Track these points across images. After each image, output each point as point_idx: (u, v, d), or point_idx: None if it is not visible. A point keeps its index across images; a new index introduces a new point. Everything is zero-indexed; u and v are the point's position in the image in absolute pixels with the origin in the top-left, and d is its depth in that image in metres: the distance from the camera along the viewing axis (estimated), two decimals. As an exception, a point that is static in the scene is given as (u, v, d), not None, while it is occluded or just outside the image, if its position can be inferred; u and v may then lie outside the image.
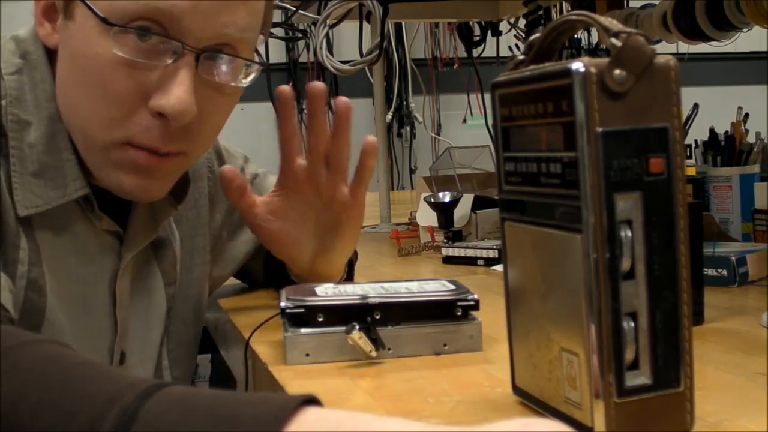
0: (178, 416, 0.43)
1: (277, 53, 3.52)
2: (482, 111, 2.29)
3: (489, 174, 1.56)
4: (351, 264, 1.03)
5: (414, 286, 0.77)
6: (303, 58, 3.57)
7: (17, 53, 0.78)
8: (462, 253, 1.28)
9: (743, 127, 1.39)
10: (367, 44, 1.47)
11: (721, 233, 1.24)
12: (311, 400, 0.43)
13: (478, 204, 1.42)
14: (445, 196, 1.38)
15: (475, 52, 1.91)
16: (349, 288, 0.77)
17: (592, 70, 0.47)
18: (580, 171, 0.47)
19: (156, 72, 0.73)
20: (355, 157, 0.88)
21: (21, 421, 0.45)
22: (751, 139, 1.37)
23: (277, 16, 1.36)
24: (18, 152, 0.74)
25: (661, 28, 1.25)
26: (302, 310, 0.72)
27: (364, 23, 1.47)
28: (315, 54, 2.00)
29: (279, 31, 1.49)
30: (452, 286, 0.77)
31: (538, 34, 0.55)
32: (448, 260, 1.29)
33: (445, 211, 1.38)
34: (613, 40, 0.47)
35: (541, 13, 1.57)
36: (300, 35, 2.14)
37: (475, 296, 0.74)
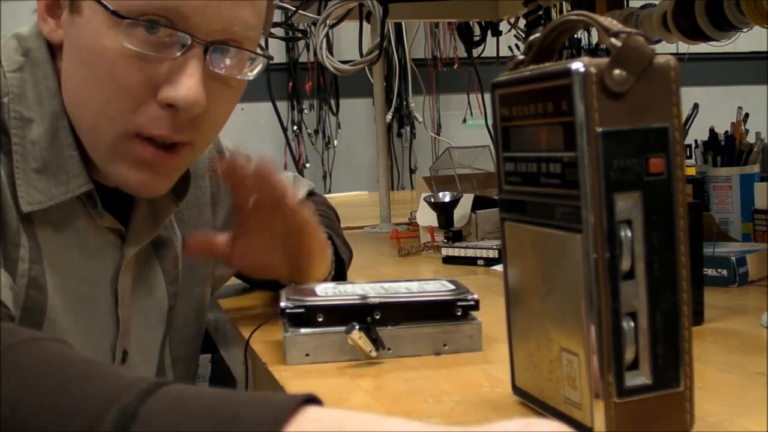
0: (178, 416, 0.43)
1: (277, 53, 3.52)
2: (482, 111, 2.29)
3: (489, 174, 1.56)
4: (342, 263, 1.03)
5: (414, 286, 0.77)
6: (303, 58, 3.57)
7: (19, 51, 0.78)
8: (462, 253, 1.28)
9: (743, 127, 1.39)
10: (367, 44, 1.47)
11: (721, 233, 1.24)
12: (311, 399, 0.43)
13: (478, 204, 1.42)
14: (445, 196, 1.38)
15: (475, 52, 1.91)
16: (349, 288, 0.77)
17: (592, 70, 0.47)
18: (580, 171, 0.47)
19: (164, 64, 0.73)
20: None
21: (21, 421, 0.45)
22: (751, 139, 1.37)
23: (277, 16, 1.36)
24: (20, 149, 0.75)
25: (661, 28, 1.25)
26: (302, 310, 0.72)
27: (364, 23, 1.47)
28: (315, 54, 2.01)
29: (279, 31, 1.49)
30: (452, 286, 0.77)
31: (538, 34, 0.55)
32: (448, 260, 1.29)
33: (445, 211, 1.38)
34: (613, 40, 0.48)
35: (541, 13, 1.57)
36: (300, 35, 2.14)
37: (475, 296, 0.74)
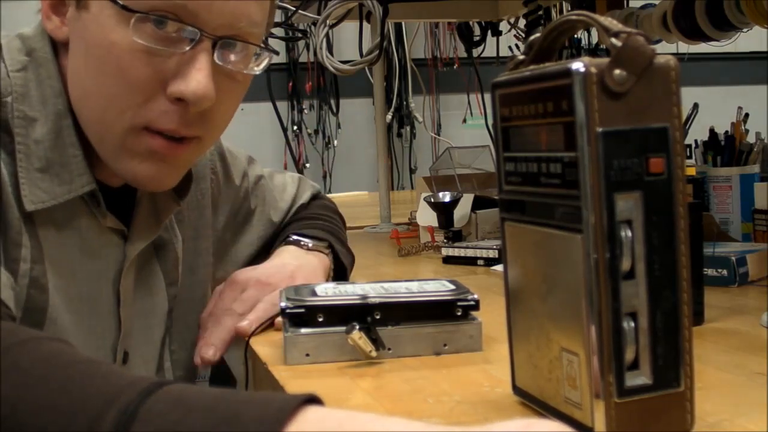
0: (178, 416, 0.43)
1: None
2: (482, 111, 2.29)
3: (489, 174, 1.56)
4: (344, 269, 1.03)
5: (414, 286, 0.77)
6: (303, 58, 3.57)
7: (23, 50, 0.79)
8: (462, 253, 1.28)
9: (743, 127, 1.39)
10: (367, 44, 1.47)
11: (721, 233, 1.24)
12: (312, 399, 0.43)
13: (478, 204, 1.42)
14: (445, 196, 1.38)
15: (475, 52, 1.91)
16: (349, 288, 0.77)
17: (593, 70, 0.47)
18: (580, 171, 0.47)
19: (173, 59, 0.74)
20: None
21: (21, 421, 0.45)
22: (751, 139, 1.37)
23: (277, 16, 1.36)
24: (24, 148, 0.75)
25: (661, 28, 1.25)
26: (302, 310, 0.72)
27: (364, 23, 1.46)
28: (315, 54, 2.00)
29: (279, 31, 1.49)
30: (452, 286, 0.77)
31: (538, 34, 0.55)
32: (448, 260, 1.29)
33: (445, 211, 1.38)
34: (613, 40, 0.48)
35: (541, 13, 1.57)
36: (300, 35, 2.14)
37: (475, 296, 0.74)
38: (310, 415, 0.42)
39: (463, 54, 3.45)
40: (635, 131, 0.47)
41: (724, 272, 0.97)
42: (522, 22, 1.66)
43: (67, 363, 0.49)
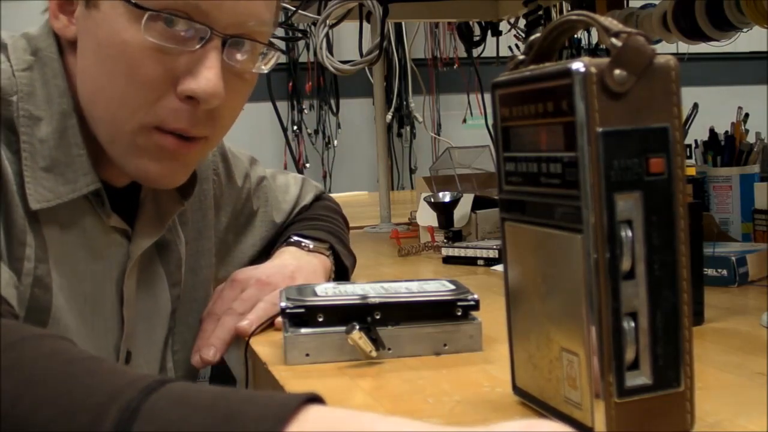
0: (180, 413, 0.43)
1: (277, 53, 3.51)
2: (482, 111, 2.29)
3: (489, 174, 1.56)
4: (345, 270, 1.03)
5: (414, 286, 0.77)
6: (303, 58, 3.56)
7: (29, 50, 0.79)
8: (462, 253, 1.28)
9: (743, 127, 1.39)
10: (367, 44, 1.47)
11: (721, 233, 1.24)
12: (314, 398, 0.43)
13: (478, 204, 1.42)
14: (445, 196, 1.38)
15: (475, 52, 1.91)
16: (349, 288, 0.77)
17: (593, 70, 0.47)
18: (580, 171, 0.47)
19: (183, 57, 0.74)
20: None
21: (22, 418, 0.45)
22: (751, 139, 1.37)
23: (277, 16, 1.36)
24: (29, 147, 0.75)
25: (661, 28, 1.25)
26: (302, 310, 0.72)
27: (364, 23, 1.46)
28: (315, 54, 2.00)
29: (279, 31, 1.49)
30: (452, 286, 0.77)
31: (538, 34, 0.55)
32: (448, 260, 1.29)
33: (445, 211, 1.38)
34: (613, 40, 0.48)
35: (541, 13, 1.57)
36: (300, 35, 2.14)
37: (475, 296, 0.74)
38: (311, 414, 0.42)
39: (463, 54, 3.45)
40: (635, 131, 0.47)
41: (724, 272, 0.97)
42: (522, 22, 1.66)
43: (68, 360, 0.49)
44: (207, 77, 0.74)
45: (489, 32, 1.83)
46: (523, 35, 1.69)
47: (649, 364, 0.48)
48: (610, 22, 0.48)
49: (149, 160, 0.78)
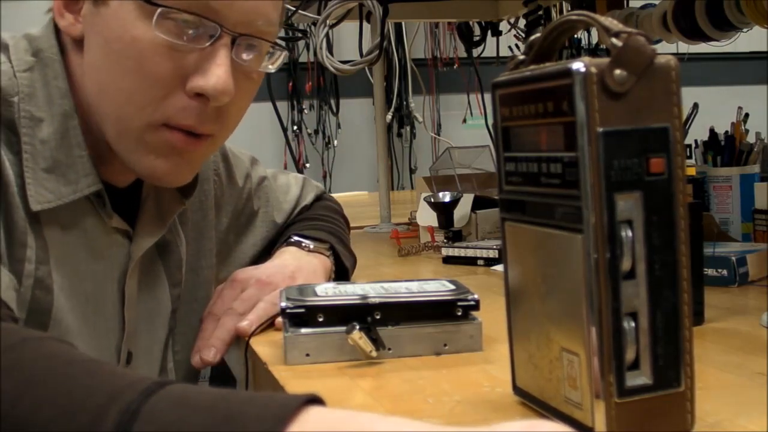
0: (180, 415, 0.43)
1: (277, 53, 3.51)
2: (482, 111, 2.28)
3: (489, 174, 1.56)
4: (346, 271, 1.03)
5: (414, 286, 0.77)
6: (303, 58, 3.57)
7: (30, 51, 0.79)
8: (462, 253, 1.28)
9: (743, 127, 1.39)
10: (367, 44, 1.47)
11: (721, 233, 1.24)
12: (314, 399, 0.43)
13: (478, 204, 1.42)
14: (445, 196, 1.38)
15: (475, 52, 1.91)
16: (349, 288, 0.77)
17: (593, 70, 0.47)
18: (580, 171, 0.47)
19: (193, 55, 0.75)
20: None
21: (22, 418, 0.45)
22: (751, 139, 1.37)
23: (278, 16, 1.36)
24: (30, 148, 0.75)
25: (661, 28, 1.25)
26: (302, 310, 0.72)
27: (364, 23, 1.46)
28: (315, 54, 2.00)
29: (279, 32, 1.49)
30: (452, 286, 0.77)
31: (538, 34, 0.55)
32: (448, 260, 1.29)
33: (445, 211, 1.38)
34: (614, 40, 0.48)
35: (541, 13, 1.56)
36: (300, 35, 2.14)
37: (476, 296, 0.74)
38: (311, 415, 0.42)
39: (463, 54, 3.45)
40: (635, 131, 0.47)
41: (724, 272, 0.97)
42: (522, 22, 1.66)
43: (68, 362, 0.49)
44: (217, 74, 0.74)
45: (489, 32, 1.83)
46: (523, 35, 1.69)
47: (650, 364, 0.48)
48: (610, 22, 0.48)
49: (156, 157, 0.78)
